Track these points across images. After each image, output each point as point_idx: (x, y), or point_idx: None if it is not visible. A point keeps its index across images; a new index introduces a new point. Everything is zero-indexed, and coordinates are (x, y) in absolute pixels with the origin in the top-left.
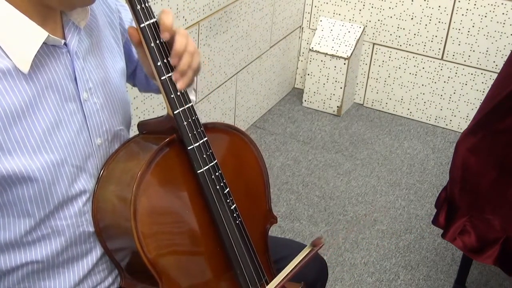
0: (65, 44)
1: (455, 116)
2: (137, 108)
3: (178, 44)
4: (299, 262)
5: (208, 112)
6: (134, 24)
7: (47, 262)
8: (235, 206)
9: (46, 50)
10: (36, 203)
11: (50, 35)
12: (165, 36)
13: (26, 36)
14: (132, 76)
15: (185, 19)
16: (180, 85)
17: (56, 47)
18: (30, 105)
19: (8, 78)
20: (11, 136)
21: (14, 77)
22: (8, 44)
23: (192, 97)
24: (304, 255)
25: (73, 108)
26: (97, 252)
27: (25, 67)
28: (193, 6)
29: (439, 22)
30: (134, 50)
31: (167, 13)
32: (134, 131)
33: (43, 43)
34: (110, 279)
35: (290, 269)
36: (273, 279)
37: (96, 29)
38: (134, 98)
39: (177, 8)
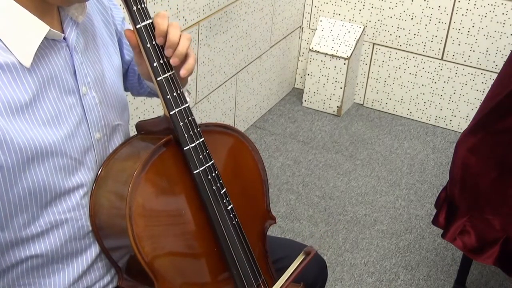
0: (64, 38)
1: (455, 116)
2: (137, 108)
3: (172, 35)
4: (293, 272)
5: (208, 112)
6: (125, 24)
7: (46, 258)
8: (231, 207)
9: (47, 44)
10: (34, 194)
11: (51, 29)
12: (160, 41)
13: (28, 30)
14: (123, 78)
15: (185, 19)
16: (183, 71)
17: (56, 41)
18: (33, 98)
19: (13, 72)
20: (16, 126)
21: (18, 71)
22: (10, 39)
23: (186, 98)
24: (297, 264)
25: (73, 102)
26: (96, 248)
27: (27, 61)
28: (193, 6)
29: (439, 22)
30: (125, 51)
31: (162, 17)
32: (133, 131)
33: (44, 37)
34: (108, 277)
35: (286, 278)
36: (271, 279)
37: (91, 26)
38: (134, 98)
39: (177, 8)
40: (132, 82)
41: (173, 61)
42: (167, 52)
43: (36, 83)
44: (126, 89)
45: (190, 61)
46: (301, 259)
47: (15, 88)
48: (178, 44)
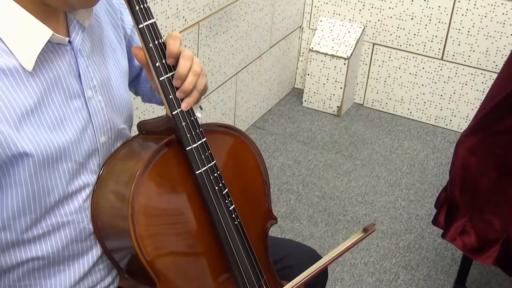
0: (69, 42)
1: (455, 116)
2: (137, 108)
3: (181, 67)
4: (348, 246)
5: (208, 112)
6: (135, 29)
7: (47, 259)
8: (234, 207)
9: (51, 48)
10: (38, 198)
11: (54, 33)
12: (170, 62)
13: (31, 34)
14: (134, 83)
15: (185, 19)
16: (184, 105)
17: (61, 45)
18: (37, 103)
19: (15, 76)
20: (22, 134)
21: (21, 75)
22: (13, 42)
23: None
24: (355, 239)
25: (78, 106)
26: (97, 250)
27: (29, 66)
28: (193, 6)
29: (439, 22)
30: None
31: (174, 38)
32: (134, 131)
33: (47, 41)
34: (110, 278)
35: (338, 252)
36: (272, 279)
37: (98, 28)
38: (134, 98)
39: (177, 8)
40: (144, 89)
41: (179, 95)
42: (175, 83)
43: (40, 87)
44: (137, 93)
45: (193, 95)
46: (359, 236)
47: (19, 93)
48: (186, 77)
